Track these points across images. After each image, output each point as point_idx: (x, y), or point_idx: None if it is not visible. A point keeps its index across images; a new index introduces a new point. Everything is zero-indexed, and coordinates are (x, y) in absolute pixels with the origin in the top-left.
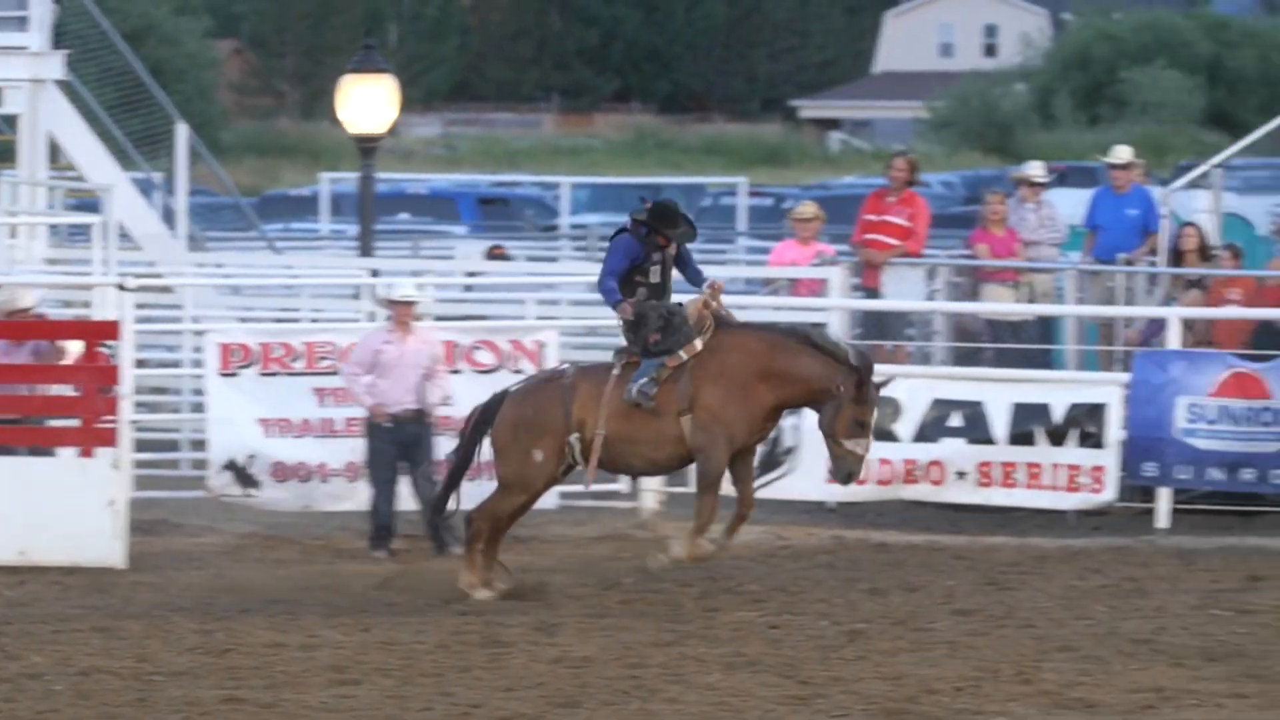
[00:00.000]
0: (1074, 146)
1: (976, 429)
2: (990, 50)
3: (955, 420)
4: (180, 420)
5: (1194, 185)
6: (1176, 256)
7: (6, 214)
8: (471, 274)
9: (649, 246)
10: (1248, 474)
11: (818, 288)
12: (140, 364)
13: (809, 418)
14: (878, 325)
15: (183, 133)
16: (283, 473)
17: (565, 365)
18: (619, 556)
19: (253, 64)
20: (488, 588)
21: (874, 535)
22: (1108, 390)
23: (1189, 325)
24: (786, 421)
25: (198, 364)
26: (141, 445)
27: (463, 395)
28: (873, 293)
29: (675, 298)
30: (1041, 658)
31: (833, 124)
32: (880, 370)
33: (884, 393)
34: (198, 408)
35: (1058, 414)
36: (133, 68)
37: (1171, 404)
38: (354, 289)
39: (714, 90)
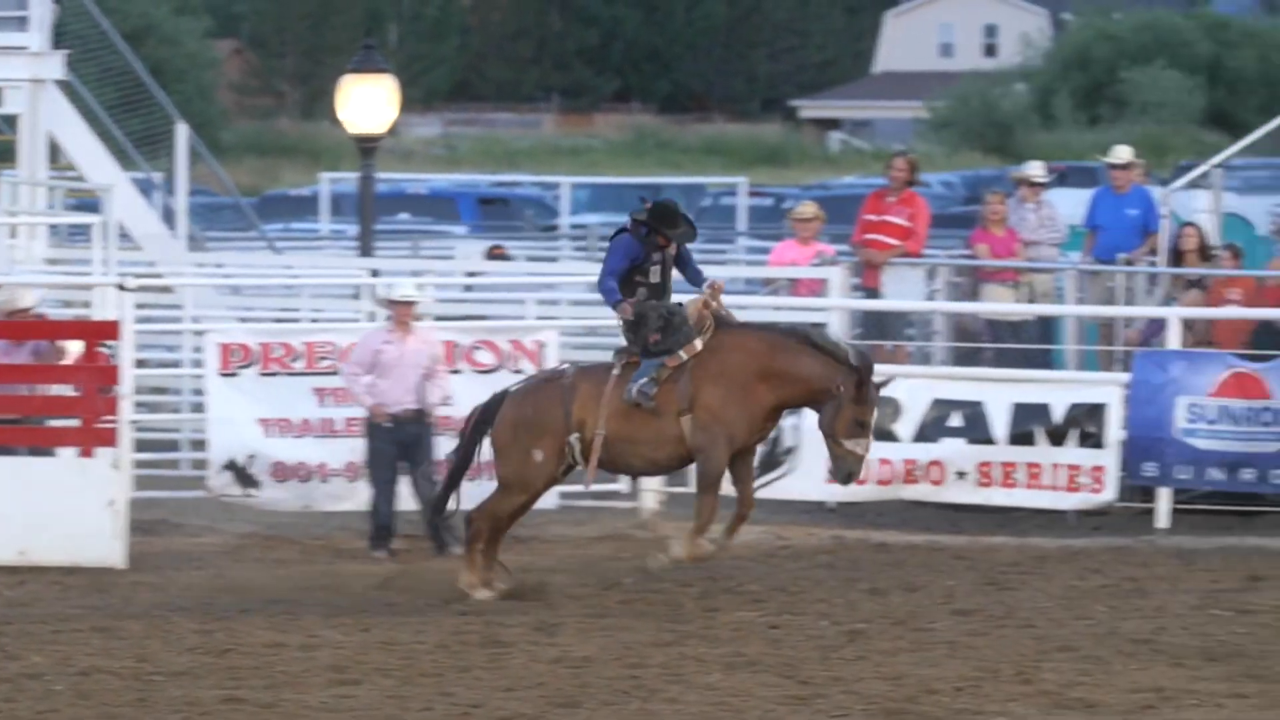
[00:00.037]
0: (1074, 146)
1: (976, 429)
2: (990, 50)
3: (955, 420)
4: (180, 420)
5: (1194, 185)
6: (1176, 256)
7: (6, 214)
8: (471, 274)
9: (649, 246)
10: (1248, 474)
11: (818, 288)
12: (140, 364)
13: (809, 418)
14: (878, 325)
15: (183, 133)
16: (283, 473)
17: (565, 365)
18: (619, 556)
19: (253, 64)
20: (488, 588)
21: (874, 535)
22: (1108, 390)
23: (1189, 325)
24: (786, 421)
25: (198, 364)
26: (141, 445)
27: (463, 395)
28: (873, 293)
29: (675, 298)
30: (1041, 658)
31: (833, 124)
32: (880, 370)
33: (884, 393)
34: (198, 408)
35: (1058, 414)
36: (133, 68)
37: (1171, 404)
38: (354, 289)
39: (714, 90)
